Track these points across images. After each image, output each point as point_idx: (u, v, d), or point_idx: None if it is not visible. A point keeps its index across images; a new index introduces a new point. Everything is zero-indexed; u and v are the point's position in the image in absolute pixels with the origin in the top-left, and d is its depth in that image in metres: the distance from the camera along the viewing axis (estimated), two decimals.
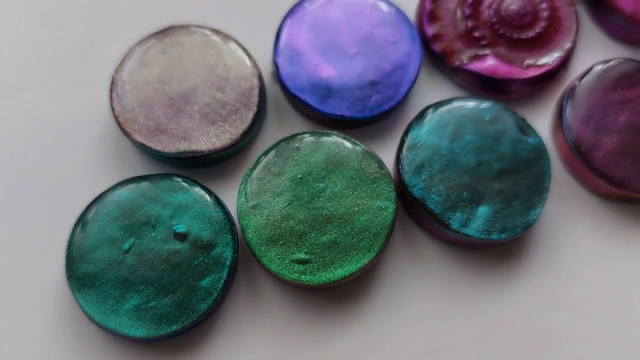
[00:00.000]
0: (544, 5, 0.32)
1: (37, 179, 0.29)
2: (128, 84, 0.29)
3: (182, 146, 0.28)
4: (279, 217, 0.27)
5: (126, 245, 0.27)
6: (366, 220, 0.27)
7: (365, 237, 0.27)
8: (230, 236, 0.27)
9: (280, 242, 0.27)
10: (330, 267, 0.27)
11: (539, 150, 0.29)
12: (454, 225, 0.27)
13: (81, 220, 0.27)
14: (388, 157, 0.29)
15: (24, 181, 0.29)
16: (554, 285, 0.28)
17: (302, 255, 0.27)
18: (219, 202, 0.28)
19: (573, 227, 0.30)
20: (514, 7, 0.31)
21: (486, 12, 0.31)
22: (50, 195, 0.29)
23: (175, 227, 0.27)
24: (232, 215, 0.28)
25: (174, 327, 0.26)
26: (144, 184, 0.28)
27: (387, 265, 0.29)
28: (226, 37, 0.30)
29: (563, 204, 0.30)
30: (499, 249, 0.29)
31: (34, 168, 0.30)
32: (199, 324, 0.27)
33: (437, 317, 0.28)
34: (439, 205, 0.28)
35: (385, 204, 0.27)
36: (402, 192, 0.28)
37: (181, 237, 0.27)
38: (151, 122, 0.28)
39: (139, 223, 0.27)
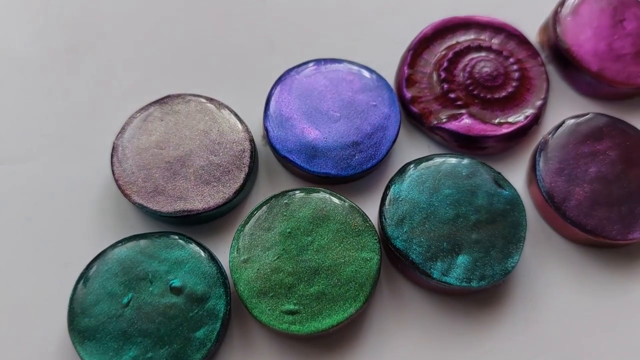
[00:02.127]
0: (514, 67, 0.34)
1: (43, 239, 0.31)
2: (128, 149, 0.31)
3: (179, 206, 0.30)
4: (268, 270, 0.29)
5: (125, 300, 0.28)
6: (352, 271, 0.29)
7: (351, 288, 0.28)
8: (222, 289, 0.29)
9: (271, 294, 0.28)
10: (318, 317, 0.28)
11: (514, 202, 0.31)
12: (435, 274, 0.29)
13: (83, 277, 0.29)
14: (372, 211, 0.31)
15: (31, 240, 0.31)
16: (533, 331, 0.30)
17: (292, 307, 0.28)
18: (212, 257, 0.29)
19: (550, 273, 0.31)
20: (486, 69, 0.34)
21: (460, 75, 0.34)
22: (55, 253, 0.31)
23: (172, 282, 0.29)
24: (225, 269, 0.30)
25: None
26: (142, 242, 0.29)
27: (374, 314, 0.30)
28: (220, 104, 0.32)
29: (540, 252, 0.32)
30: (479, 295, 0.31)
31: (40, 228, 0.32)
32: None
33: None
34: (420, 256, 0.29)
35: (370, 255, 0.29)
36: (386, 243, 0.30)
37: (177, 291, 0.28)
38: (149, 184, 0.30)
39: (137, 278, 0.29)
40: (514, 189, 0.31)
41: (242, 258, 0.29)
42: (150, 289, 0.28)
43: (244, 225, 0.30)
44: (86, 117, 0.34)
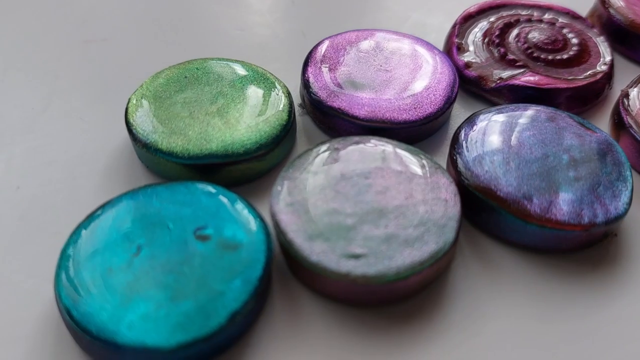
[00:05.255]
0: (571, 35, 0.31)
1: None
2: None
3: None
4: (321, 212, 0.22)
5: (134, 248, 0.21)
6: (426, 212, 0.22)
7: (430, 229, 0.22)
8: (263, 235, 0.22)
9: (326, 236, 0.22)
10: (390, 259, 0.21)
11: (608, 142, 0.25)
12: (534, 211, 0.23)
13: (80, 226, 0.22)
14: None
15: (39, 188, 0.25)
16: None
17: (355, 250, 0.21)
18: (247, 203, 0.23)
19: None
20: (542, 36, 0.31)
21: (514, 43, 0.31)
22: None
23: (197, 227, 0.22)
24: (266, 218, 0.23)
25: (191, 336, 0.19)
26: (160, 188, 0.23)
27: (455, 274, 0.23)
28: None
29: None
30: (580, 255, 0.24)
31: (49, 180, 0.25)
32: (227, 341, 0.20)
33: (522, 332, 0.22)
34: (510, 194, 0.23)
35: (445, 196, 0.23)
36: (464, 188, 0.24)
37: (203, 238, 0.22)
38: None
39: (152, 224, 0.22)
40: (604, 132, 0.26)
41: (287, 201, 0.23)
42: (169, 235, 0.22)
43: (286, 171, 0.24)
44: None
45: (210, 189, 0.23)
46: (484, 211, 0.24)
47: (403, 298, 0.22)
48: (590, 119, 0.30)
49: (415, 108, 0.27)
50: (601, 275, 0.23)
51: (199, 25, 0.34)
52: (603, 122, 0.29)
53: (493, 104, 0.30)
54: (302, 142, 0.28)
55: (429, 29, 0.35)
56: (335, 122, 0.27)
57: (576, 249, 0.24)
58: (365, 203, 0.23)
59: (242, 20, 0.35)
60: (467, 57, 0.30)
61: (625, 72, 0.32)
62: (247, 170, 0.25)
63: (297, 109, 0.29)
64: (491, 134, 0.25)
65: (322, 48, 0.29)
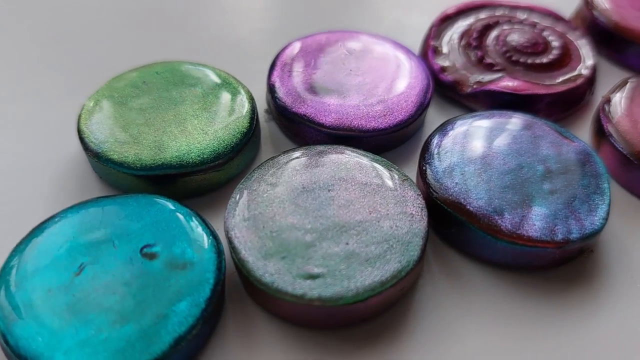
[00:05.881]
0: (553, 37, 0.30)
1: None
2: None
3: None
4: (278, 228, 0.21)
5: (75, 267, 0.20)
6: (390, 227, 0.21)
7: (392, 246, 0.21)
8: (214, 254, 0.20)
9: (282, 255, 0.20)
10: (349, 279, 0.20)
11: (587, 152, 0.24)
12: (505, 227, 0.21)
13: (21, 243, 0.21)
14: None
15: None
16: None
17: (312, 270, 0.20)
18: (201, 218, 0.22)
19: (638, 235, 0.24)
20: (522, 38, 0.29)
21: (493, 45, 0.29)
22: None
23: (144, 245, 0.20)
24: (220, 236, 0.22)
25: None
26: (107, 201, 0.22)
27: (420, 294, 0.22)
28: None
29: (626, 221, 0.24)
30: (557, 272, 0.23)
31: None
32: None
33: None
34: (480, 209, 0.22)
35: (413, 210, 0.22)
36: (432, 201, 0.23)
37: (150, 256, 0.20)
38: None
39: (96, 242, 0.20)
40: (583, 141, 0.25)
41: (243, 215, 0.21)
42: (114, 253, 0.20)
43: (244, 182, 0.23)
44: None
45: (162, 202, 0.22)
46: (453, 226, 0.23)
47: (364, 320, 0.21)
48: (571, 126, 0.28)
49: (385, 115, 0.25)
50: (577, 294, 0.22)
51: (165, 26, 0.33)
52: (585, 129, 0.28)
53: (470, 109, 0.28)
54: (267, 150, 0.27)
55: (408, 30, 0.33)
56: (301, 130, 0.26)
57: (550, 266, 0.22)
58: (326, 218, 0.21)
59: (213, 20, 0.33)
60: (443, 61, 0.29)
61: (609, 76, 0.31)
62: (204, 182, 0.24)
63: (263, 115, 0.28)
64: (463, 144, 0.24)
65: (290, 51, 0.28)
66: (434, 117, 0.28)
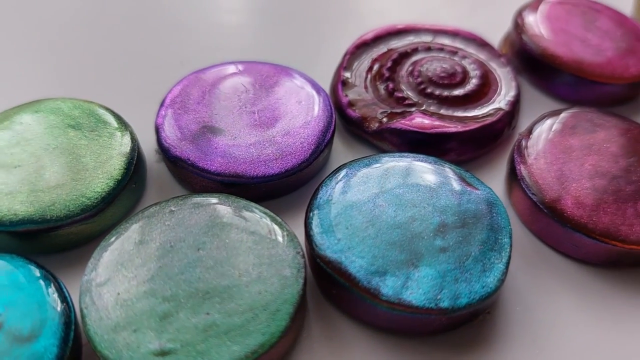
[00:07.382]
0: (474, 66, 0.28)
1: None
2: None
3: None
4: (134, 294, 0.19)
5: None
6: (258, 293, 0.19)
7: (258, 316, 0.19)
8: (60, 326, 0.19)
9: (133, 328, 0.18)
10: (204, 358, 0.18)
11: (490, 201, 0.22)
12: (386, 292, 0.19)
13: None
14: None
15: None
16: None
17: (164, 345, 0.18)
18: (50, 281, 0.20)
19: (544, 290, 0.22)
20: (440, 67, 0.27)
21: (407, 76, 0.27)
22: None
23: None
24: (72, 297, 0.20)
25: None
26: None
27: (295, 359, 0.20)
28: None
29: (533, 271, 0.22)
30: (452, 336, 0.21)
31: None
32: None
33: None
34: (362, 269, 0.20)
35: (289, 272, 0.20)
36: (314, 260, 0.21)
37: None
38: None
39: None
40: (489, 188, 0.23)
41: (98, 280, 0.20)
42: None
43: (108, 239, 0.21)
44: None
45: (8, 263, 0.20)
46: (334, 287, 0.21)
47: None
48: (487, 165, 0.26)
49: (276, 159, 0.23)
50: None
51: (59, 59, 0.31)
52: (502, 170, 0.26)
53: (378, 148, 0.26)
54: (152, 194, 0.25)
55: (329, 58, 0.31)
56: (186, 175, 0.24)
57: (439, 332, 0.21)
58: (189, 283, 0.19)
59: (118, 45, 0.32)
60: (351, 94, 0.27)
61: (536, 107, 0.29)
62: (72, 236, 0.22)
63: (154, 155, 0.26)
64: (354, 193, 0.22)
65: (180, 86, 0.26)
66: (340, 157, 0.26)
